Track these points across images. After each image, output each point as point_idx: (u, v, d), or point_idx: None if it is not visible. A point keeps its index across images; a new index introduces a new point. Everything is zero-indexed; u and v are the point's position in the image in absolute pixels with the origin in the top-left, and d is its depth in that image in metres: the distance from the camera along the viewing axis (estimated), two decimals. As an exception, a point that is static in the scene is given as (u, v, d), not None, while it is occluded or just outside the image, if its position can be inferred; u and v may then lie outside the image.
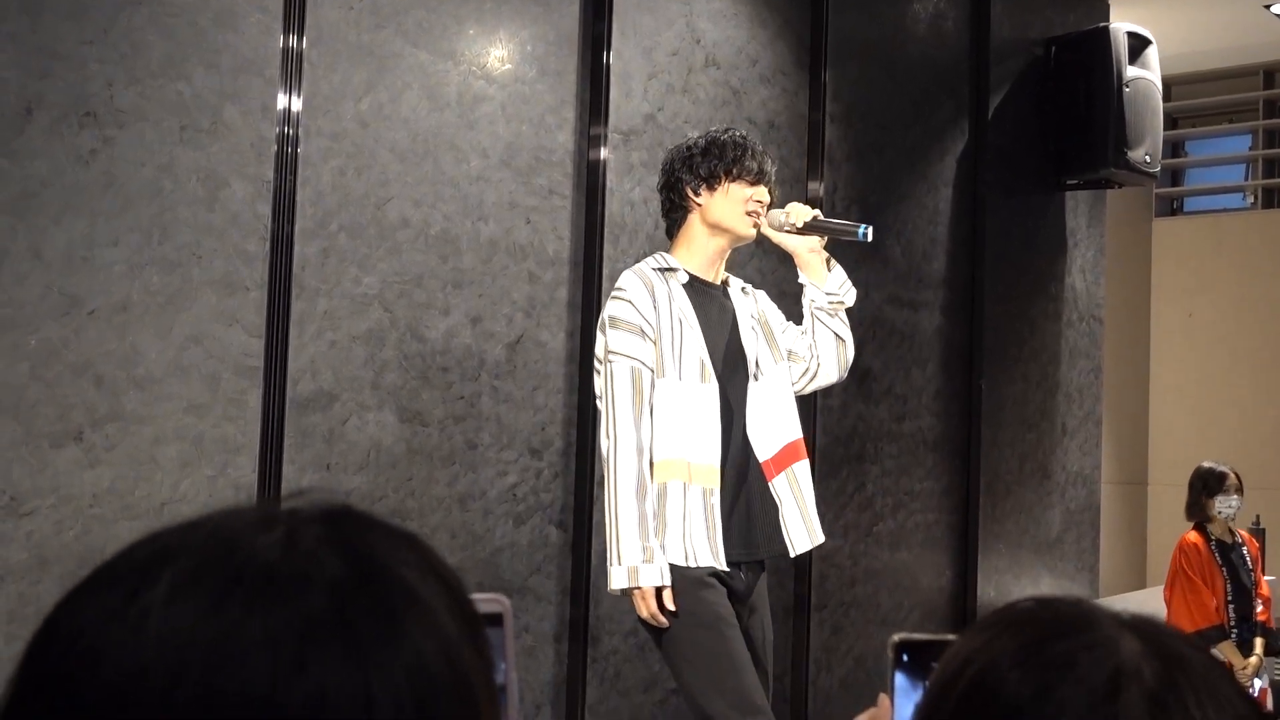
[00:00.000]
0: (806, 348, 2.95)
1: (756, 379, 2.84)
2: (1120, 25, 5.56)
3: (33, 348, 2.58)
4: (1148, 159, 5.52)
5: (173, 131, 2.80)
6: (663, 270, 2.81)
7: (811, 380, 2.98)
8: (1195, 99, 7.56)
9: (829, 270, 2.93)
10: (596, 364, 2.80)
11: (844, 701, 4.50)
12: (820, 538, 2.90)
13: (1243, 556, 5.15)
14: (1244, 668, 4.88)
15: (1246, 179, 7.62)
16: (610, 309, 2.76)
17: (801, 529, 2.84)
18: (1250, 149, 7.54)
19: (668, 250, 2.88)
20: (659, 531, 2.66)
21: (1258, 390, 7.14)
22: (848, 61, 4.62)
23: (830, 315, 2.94)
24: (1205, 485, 5.16)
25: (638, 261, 2.91)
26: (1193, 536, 5.16)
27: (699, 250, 2.85)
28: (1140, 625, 0.71)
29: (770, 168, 2.88)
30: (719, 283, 2.90)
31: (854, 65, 4.66)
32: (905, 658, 0.93)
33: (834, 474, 4.54)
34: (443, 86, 3.36)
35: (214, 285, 2.87)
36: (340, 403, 3.11)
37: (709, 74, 4.09)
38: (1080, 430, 5.90)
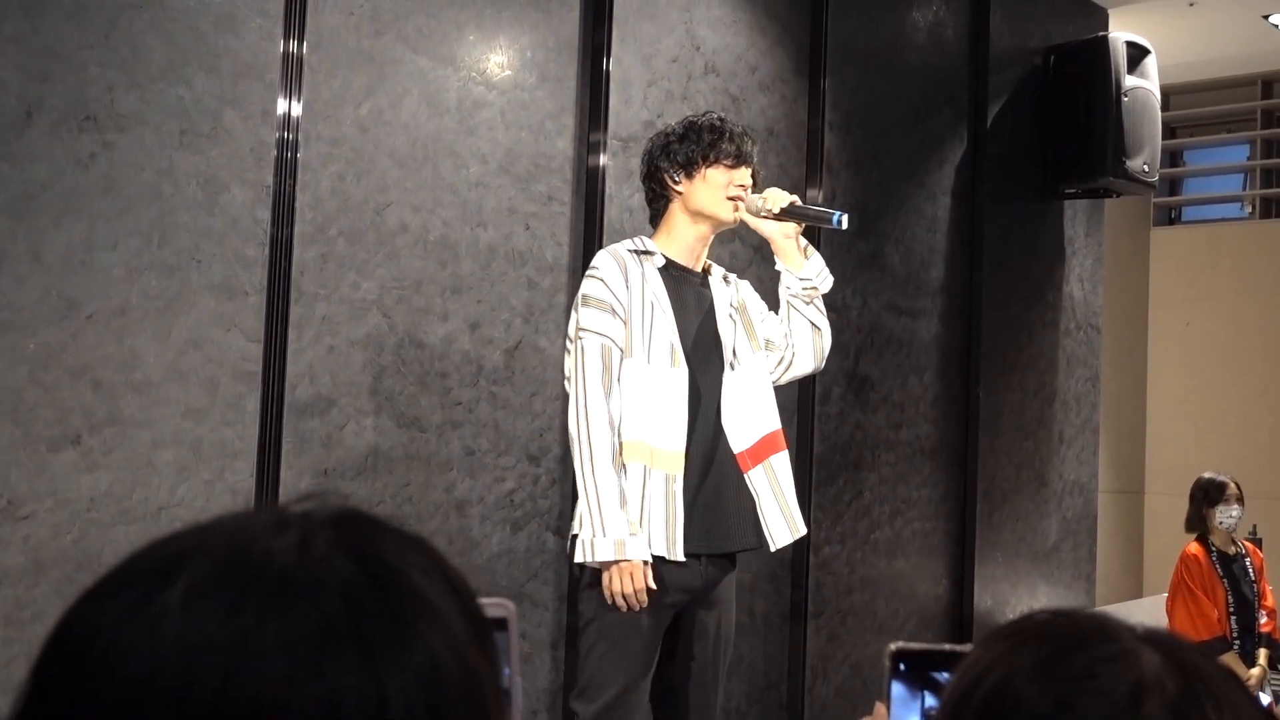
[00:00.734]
0: (782, 336, 2.90)
1: (733, 368, 2.79)
2: (1119, 35, 5.57)
3: (31, 351, 2.58)
4: (1146, 168, 5.53)
5: (173, 136, 2.80)
6: (639, 253, 2.77)
7: (787, 370, 2.92)
8: (1193, 109, 7.57)
9: (806, 258, 2.87)
10: (568, 344, 2.76)
11: (840, 709, 4.49)
12: (801, 530, 2.85)
13: (1245, 568, 5.14)
14: (1248, 679, 4.86)
15: (1244, 189, 7.62)
16: (583, 286, 2.73)
17: (781, 522, 2.80)
18: (1248, 159, 7.54)
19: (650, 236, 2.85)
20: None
21: (1255, 399, 7.14)
22: (847, 69, 4.63)
23: (805, 303, 2.88)
24: (1206, 496, 5.16)
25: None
26: (1194, 548, 5.15)
27: (680, 237, 2.82)
28: (1156, 637, 0.71)
29: (750, 148, 2.83)
30: (700, 270, 2.85)
31: (853, 73, 4.66)
32: (903, 666, 0.94)
33: (831, 481, 4.53)
34: (442, 92, 3.36)
35: (213, 290, 2.87)
36: (338, 408, 3.11)
37: (708, 81, 4.10)
38: (1078, 439, 5.90)
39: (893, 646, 0.94)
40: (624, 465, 2.63)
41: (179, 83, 2.81)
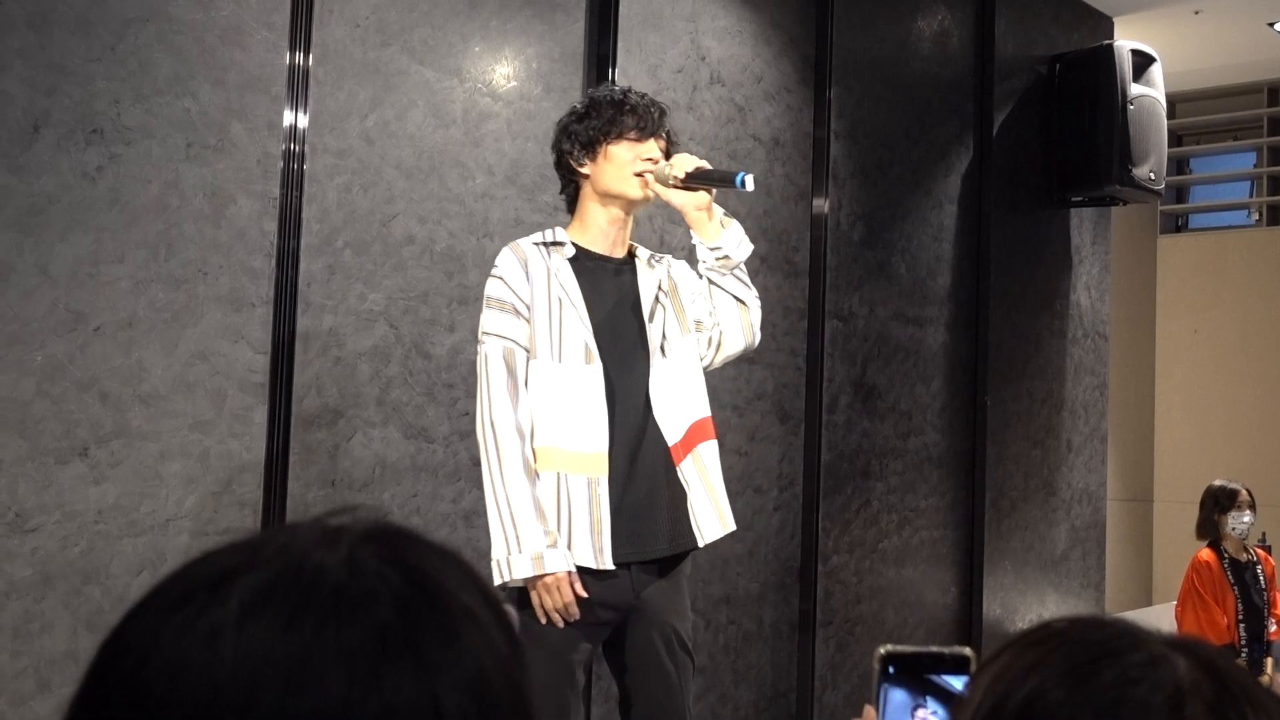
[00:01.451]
0: (708, 314, 2.66)
1: (664, 354, 2.59)
2: (1124, 43, 5.57)
3: (38, 364, 2.58)
4: (1152, 176, 5.53)
5: (179, 148, 2.81)
6: (547, 245, 2.57)
7: (718, 351, 2.68)
8: (1200, 116, 7.57)
9: (725, 228, 2.61)
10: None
11: (849, 718, 4.48)
12: (732, 525, 2.65)
13: (1256, 575, 5.13)
14: None
15: (1251, 196, 7.62)
16: (486, 287, 2.55)
17: (711, 515, 2.59)
18: (1255, 166, 7.54)
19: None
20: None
21: (1263, 406, 7.12)
22: (852, 79, 4.63)
23: (721, 274, 2.62)
24: (1217, 502, 5.15)
25: None
26: (1206, 554, 5.14)
27: (593, 223, 2.62)
28: (1183, 643, 0.71)
29: (657, 116, 2.61)
30: (621, 256, 2.65)
31: (858, 83, 4.67)
32: (892, 670, 0.94)
33: (839, 490, 4.53)
34: (448, 104, 3.36)
35: (220, 301, 2.87)
36: (345, 419, 3.11)
37: (714, 91, 4.10)
38: (1085, 447, 5.89)
39: (882, 650, 0.94)
40: (537, 474, 2.45)
41: (185, 95, 2.82)
